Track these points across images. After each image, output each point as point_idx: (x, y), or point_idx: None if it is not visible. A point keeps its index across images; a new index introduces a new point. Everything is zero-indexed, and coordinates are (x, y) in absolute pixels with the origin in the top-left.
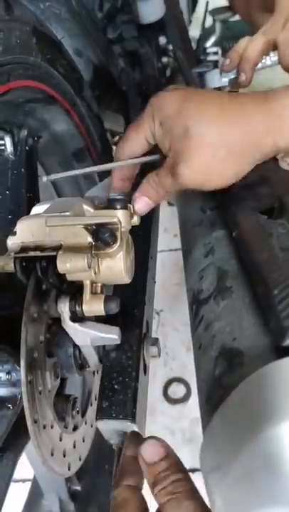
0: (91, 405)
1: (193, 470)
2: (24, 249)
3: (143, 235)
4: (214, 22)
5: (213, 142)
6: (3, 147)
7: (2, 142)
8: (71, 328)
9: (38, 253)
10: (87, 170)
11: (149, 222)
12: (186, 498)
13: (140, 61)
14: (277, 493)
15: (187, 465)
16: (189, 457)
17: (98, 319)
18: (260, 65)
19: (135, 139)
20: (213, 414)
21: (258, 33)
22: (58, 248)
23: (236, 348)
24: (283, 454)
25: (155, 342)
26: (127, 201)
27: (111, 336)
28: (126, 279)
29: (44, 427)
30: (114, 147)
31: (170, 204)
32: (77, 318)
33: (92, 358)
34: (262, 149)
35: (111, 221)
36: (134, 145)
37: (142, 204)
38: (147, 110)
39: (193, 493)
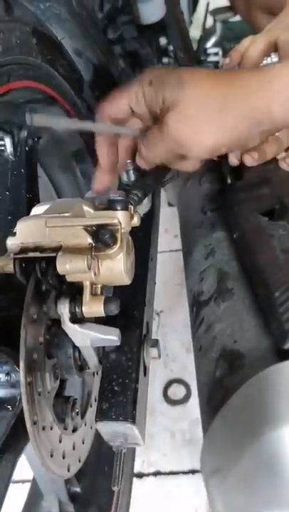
0: (91, 407)
1: (194, 471)
2: (24, 250)
3: (143, 236)
4: (215, 22)
5: (207, 95)
6: (3, 148)
7: (2, 143)
8: (71, 329)
9: (37, 254)
10: (70, 126)
11: (149, 223)
12: None
13: (141, 62)
14: (277, 496)
15: (187, 466)
16: (189, 458)
17: (98, 320)
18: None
19: (117, 102)
20: (214, 416)
21: (262, 32)
22: (57, 249)
23: (237, 350)
24: (284, 457)
25: (155, 343)
26: (127, 202)
27: (111, 337)
28: (126, 280)
29: (43, 429)
30: None
31: (171, 205)
32: (77, 319)
33: (92, 360)
34: (256, 114)
35: (111, 222)
36: (115, 109)
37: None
38: (137, 79)
39: None
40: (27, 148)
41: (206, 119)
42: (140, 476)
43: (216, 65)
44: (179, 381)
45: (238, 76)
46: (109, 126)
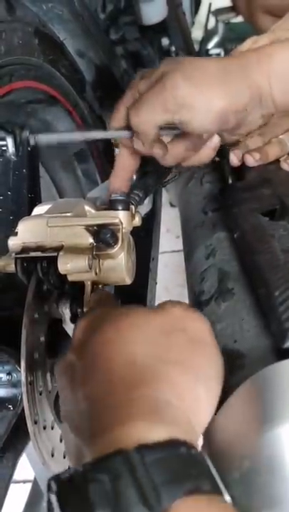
0: None
1: None
2: (25, 249)
3: (144, 236)
4: (217, 23)
5: (206, 64)
6: (5, 148)
7: (4, 143)
8: (72, 329)
9: (39, 254)
10: (73, 136)
11: (150, 223)
12: None
13: (142, 62)
14: (277, 495)
15: None
16: None
17: None
18: None
19: (117, 112)
20: (214, 416)
21: (266, 33)
22: (59, 249)
23: (237, 349)
24: (284, 456)
25: None
26: (128, 202)
27: None
28: (127, 280)
29: (44, 428)
30: (115, 148)
31: (173, 205)
32: (78, 319)
33: None
34: (257, 89)
35: (112, 222)
36: (119, 119)
37: None
38: (129, 86)
39: None
40: (29, 149)
41: (208, 80)
42: None
43: None
44: None
45: (235, 56)
46: (103, 131)
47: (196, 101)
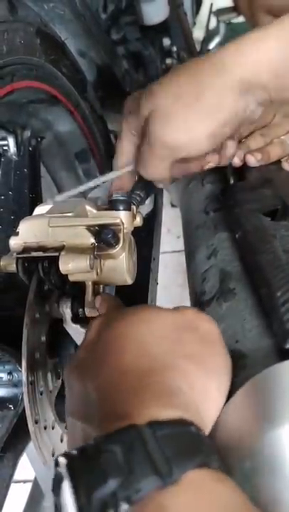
0: None
1: None
2: (26, 249)
3: (146, 236)
4: (218, 23)
5: (177, 87)
6: (6, 147)
7: (5, 143)
8: (73, 329)
9: (40, 253)
10: (82, 188)
11: (152, 223)
12: None
13: (144, 62)
14: (278, 496)
15: None
16: None
17: None
18: None
19: (123, 150)
20: None
21: None
22: (60, 249)
23: (239, 350)
24: (285, 457)
25: None
26: (129, 202)
27: None
28: (128, 280)
29: (45, 428)
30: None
31: (174, 206)
32: (79, 319)
33: None
34: (239, 84)
35: (113, 222)
36: (123, 156)
37: None
38: (122, 123)
39: None
40: (30, 149)
41: (183, 109)
42: None
43: None
44: None
45: (204, 59)
46: (112, 172)
47: (183, 140)
